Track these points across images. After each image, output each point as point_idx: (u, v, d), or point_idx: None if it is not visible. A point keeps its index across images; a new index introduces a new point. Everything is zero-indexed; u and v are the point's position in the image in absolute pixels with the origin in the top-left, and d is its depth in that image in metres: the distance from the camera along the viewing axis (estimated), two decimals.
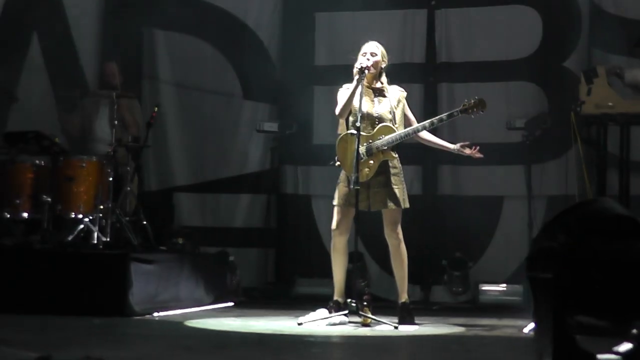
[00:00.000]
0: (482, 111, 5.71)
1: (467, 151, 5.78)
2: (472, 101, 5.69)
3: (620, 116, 6.70)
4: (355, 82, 5.64)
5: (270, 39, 8.69)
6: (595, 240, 4.05)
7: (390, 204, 5.65)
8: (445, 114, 5.80)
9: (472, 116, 5.72)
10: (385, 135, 5.65)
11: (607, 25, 7.72)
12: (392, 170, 5.70)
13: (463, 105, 5.70)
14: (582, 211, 4.33)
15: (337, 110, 5.74)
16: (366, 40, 5.90)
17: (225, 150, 8.64)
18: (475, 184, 8.07)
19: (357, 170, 5.40)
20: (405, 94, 5.91)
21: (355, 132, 5.49)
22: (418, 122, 5.84)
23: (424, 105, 8.09)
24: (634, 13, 7.70)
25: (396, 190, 5.67)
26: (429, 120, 5.74)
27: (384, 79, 5.84)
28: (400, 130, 5.70)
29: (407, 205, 5.74)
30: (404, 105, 5.86)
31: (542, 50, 8.04)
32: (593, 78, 6.73)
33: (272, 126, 8.35)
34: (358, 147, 5.43)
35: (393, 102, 5.79)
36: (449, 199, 8.09)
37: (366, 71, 5.64)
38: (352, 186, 5.43)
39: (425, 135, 5.85)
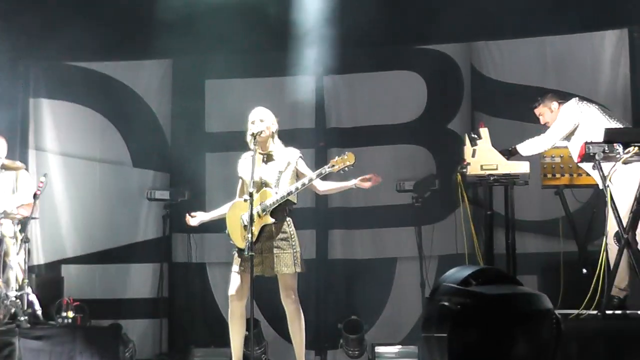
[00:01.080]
0: (351, 166, 5.58)
1: (367, 184, 5.70)
2: (340, 158, 5.61)
3: (504, 177, 6.88)
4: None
5: (160, 105, 8.73)
6: (474, 292, 4.25)
7: (280, 270, 5.59)
8: (315, 172, 5.67)
9: (342, 172, 5.62)
10: (264, 200, 5.64)
11: (487, 89, 8.12)
12: (281, 235, 5.65)
13: (331, 163, 5.61)
14: (453, 277, 4.55)
15: None
16: (253, 107, 5.88)
17: (115, 220, 8.57)
18: (368, 247, 8.23)
19: (252, 235, 5.38)
20: (297, 154, 5.85)
21: (243, 199, 5.54)
22: None
23: (316, 170, 8.15)
24: (511, 77, 8.11)
25: (285, 255, 5.62)
26: (299, 182, 5.65)
27: (276, 142, 5.84)
28: (278, 194, 5.63)
29: (300, 269, 5.66)
30: (295, 167, 5.81)
31: (427, 113, 8.32)
32: (477, 140, 6.86)
33: (163, 194, 8.31)
34: (251, 213, 5.42)
35: (281, 165, 5.77)
36: (343, 262, 8.22)
37: (257, 137, 5.66)
38: (245, 253, 5.41)
39: (321, 186, 5.79)
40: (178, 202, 8.24)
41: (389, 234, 8.17)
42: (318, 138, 8.46)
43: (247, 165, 5.70)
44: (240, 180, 5.87)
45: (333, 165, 5.60)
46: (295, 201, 5.74)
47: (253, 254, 5.39)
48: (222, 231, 5.89)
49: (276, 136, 5.86)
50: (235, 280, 5.70)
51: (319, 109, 8.53)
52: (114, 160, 8.68)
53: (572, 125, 6.52)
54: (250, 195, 5.44)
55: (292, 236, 5.71)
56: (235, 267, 5.71)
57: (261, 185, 5.70)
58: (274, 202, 5.60)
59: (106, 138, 8.70)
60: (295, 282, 5.69)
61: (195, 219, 6.02)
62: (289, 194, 5.64)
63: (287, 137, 6.03)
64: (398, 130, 8.33)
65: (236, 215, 5.67)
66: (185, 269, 8.44)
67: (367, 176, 5.72)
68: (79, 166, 8.65)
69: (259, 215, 5.60)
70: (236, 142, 6.03)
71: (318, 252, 8.25)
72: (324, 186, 5.85)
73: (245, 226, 5.54)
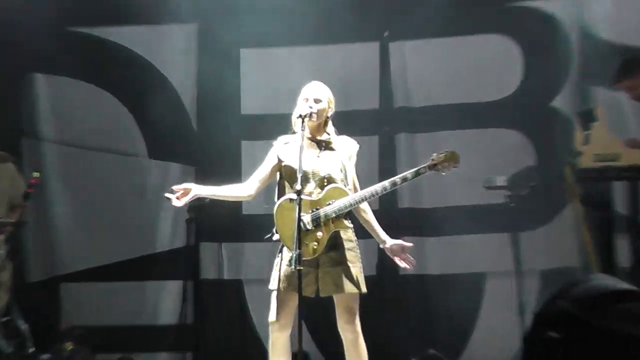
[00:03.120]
0: (455, 166, 5.61)
1: (397, 259, 5.72)
2: (443, 155, 5.59)
3: (628, 169, 6.76)
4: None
5: (183, 82, 8.66)
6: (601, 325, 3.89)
7: (347, 288, 5.43)
8: (410, 171, 5.61)
9: (443, 173, 5.61)
10: (336, 199, 5.47)
11: (602, 55, 7.73)
12: (347, 245, 5.52)
13: (432, 160, 5.58)
14: (577, 293, 4.11)
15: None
16: (300, 83, 5.82)
17: (127, 226, 8.50)
18: (448, 259, 8.03)
19: (299, 245, 5.13)
20: (357, 147, 5.81)
21: (288, 199, 5.41)
22: (360, 188, 5.69)
23: (380, 162, 8.13)
24: (636, 38, 7.74)
25: (353, 270, 5.48)
26: (390, 180, 5.58)
27: (331, 128, 5.73)
28: (354, 193, 5.54)
29: (364, 289, 5.54)
30: (354, 163, 5.79)
31: (524, 88, 8.09)
32: (591, 122, 6.87)
33: None
34: (299, 216, 5.17)
35: (344, 157, 5.66)
36: (416, 279, 8.00)
37: (307, 119, 5.50)
38: (292, 266, 5.22)
39: (365, 210, 5.72)
40: (205, 203, 7.82)
41: (476, 243, 7.94)
42: (382, 122, 8.31)
43: (293, 152, 5.47)
44: (274, 168, 5.70)
45: (435, 164, 5.56)
46: None
47: (302, 268, 5.14)
48: (262, 240, 5.67)
49: (330, 121, 5.76)
50: (277, 302, 5.51)
51: (384, 85, 8.34)
52: (126, 151, 8.65)
53: None
54: (298, 193, 5.19)
55: (358, 246, 5.63)
56: (279, 284, 5.48)
57: (323, 180, 5.53)
58: (353, 203, 5.50)
59: (116, 122, 8.64)
60: (358, 305, 5.56)
61: (184, 195, 5.77)
62: (374, 195, 5.55)
63: (343, 120, 5.95)
64: (486, 110, 8.09)
65: (292, 217, 5.28)
66: (216, 287, 8.31)
67: (400, 244, 5.70)
68: (82, 158, 8.62)
69: (330, 219, 5.48)
70: (280, 127, 5.90)
71: (382, 267, 7.93)
72: (367, 215, 5.77)
73: (308, 230, 5.39)
